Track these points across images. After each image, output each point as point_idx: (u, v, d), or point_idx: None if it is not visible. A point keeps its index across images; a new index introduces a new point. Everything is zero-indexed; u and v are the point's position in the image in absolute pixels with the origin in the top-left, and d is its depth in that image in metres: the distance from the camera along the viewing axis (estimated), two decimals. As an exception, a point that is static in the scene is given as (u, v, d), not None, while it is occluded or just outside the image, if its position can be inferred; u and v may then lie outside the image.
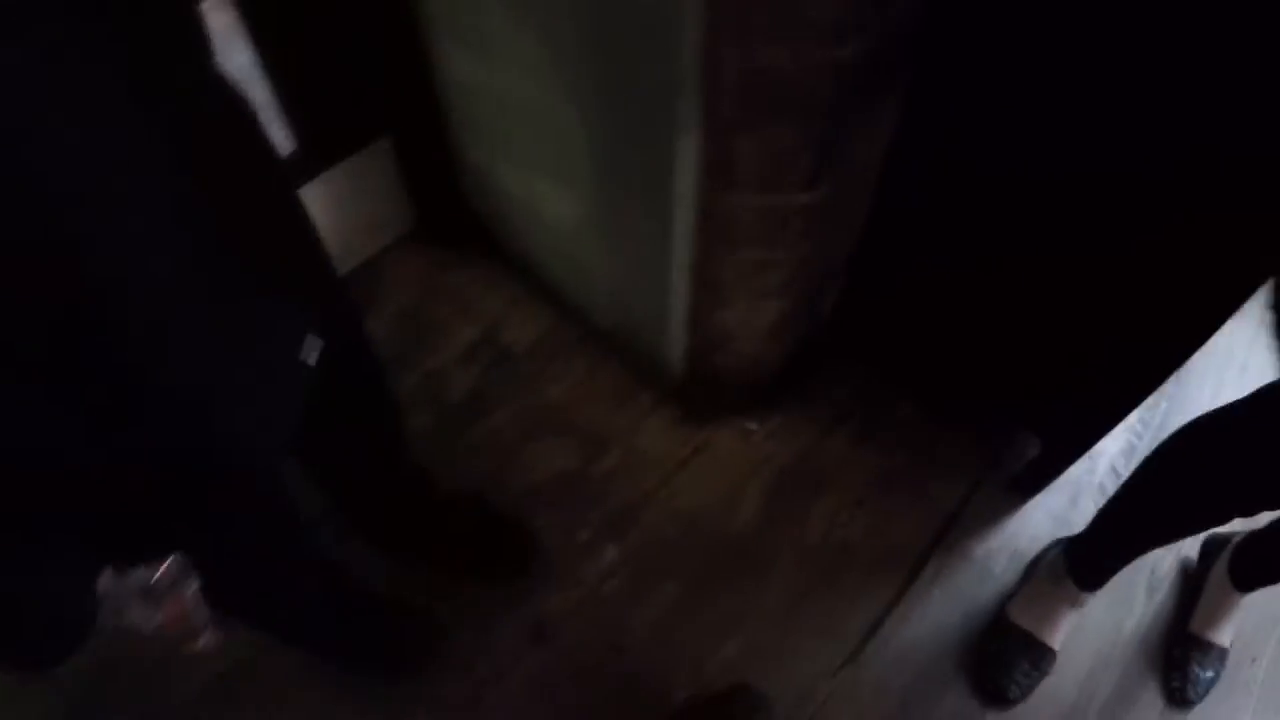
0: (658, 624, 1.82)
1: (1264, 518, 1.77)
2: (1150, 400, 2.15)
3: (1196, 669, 1.91)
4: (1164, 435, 1.65)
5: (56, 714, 1.72)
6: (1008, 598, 1.93)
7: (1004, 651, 1.87)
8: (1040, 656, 1.87)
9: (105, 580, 0.84)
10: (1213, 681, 1.92)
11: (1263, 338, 2.39)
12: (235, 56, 2.08)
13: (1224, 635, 1.94)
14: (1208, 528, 1.88)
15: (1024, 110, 1.49)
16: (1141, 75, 1.32)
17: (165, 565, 0.88)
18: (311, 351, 1.03)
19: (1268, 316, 2.43)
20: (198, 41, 0.87)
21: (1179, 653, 1.93)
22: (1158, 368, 1.65)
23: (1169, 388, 2.28)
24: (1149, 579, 2.03)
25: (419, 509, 1.83)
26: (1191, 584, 2.01)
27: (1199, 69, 1.25)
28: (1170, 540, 1.85)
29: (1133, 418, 2.22)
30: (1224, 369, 2.32)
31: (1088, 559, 1.84)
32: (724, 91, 1.30)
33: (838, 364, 2.14)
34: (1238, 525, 1.68)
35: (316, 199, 2.06)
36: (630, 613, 1.84)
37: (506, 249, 2.21)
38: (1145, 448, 2.06)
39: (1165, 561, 2.05)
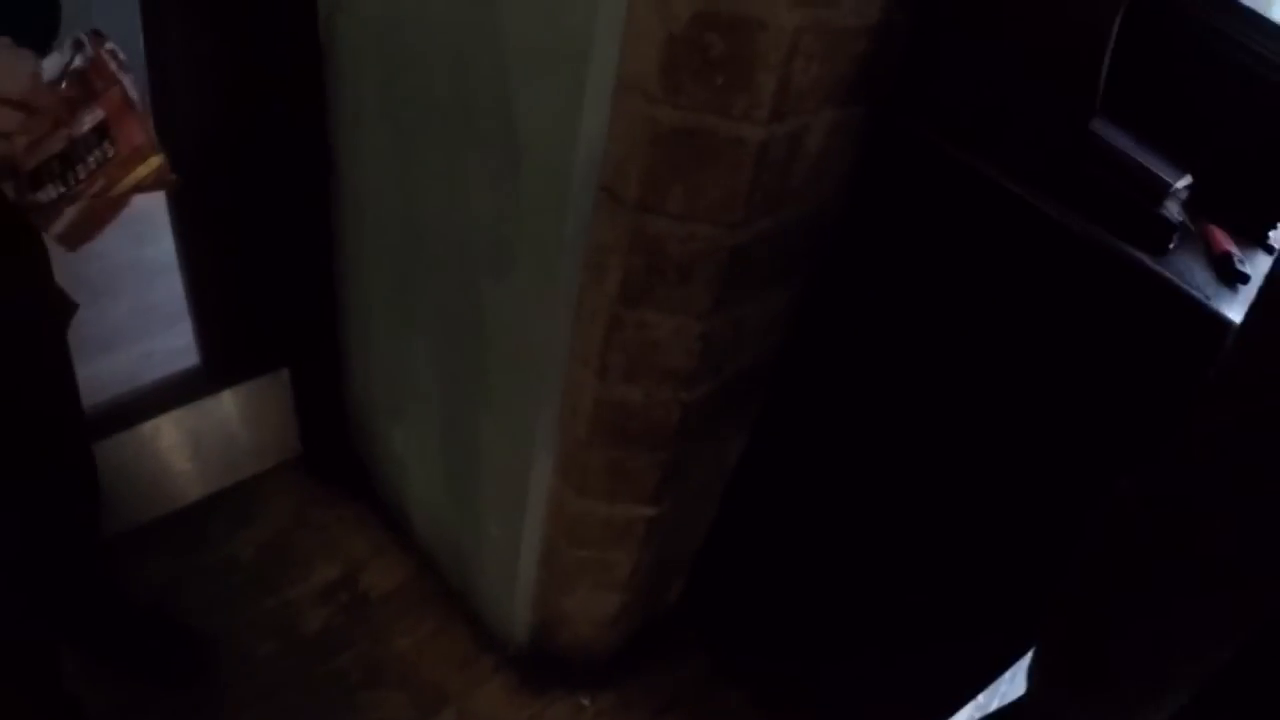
0: None
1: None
2: (982, 699, 2.28)
3: None
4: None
5: None
6: None
7: None
8: None
9: None
10: None
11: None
12: (157, 244, 2.22)
13: None
14: None
15: (855, 441, 1.67)
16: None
17: None
18: None
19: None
20: None
21: None
22: (973, 681, 1.79)
23: (1002, 686, 2.39)
24: None
25: (100, 598, 1.91)
26: None
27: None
28: None
29: (962, 716, 2.33)
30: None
31: None
32: (580, 415, 1.45)
33: (677, 649, 2.23)
34: None
35: (209, 413, 2.17)
36: None
37: (380, 496, 2.30)
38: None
39: None
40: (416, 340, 1.78)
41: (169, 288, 2.24)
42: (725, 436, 1.67)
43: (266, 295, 2.02)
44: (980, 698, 2.33)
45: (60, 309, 1.38)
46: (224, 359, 2.16)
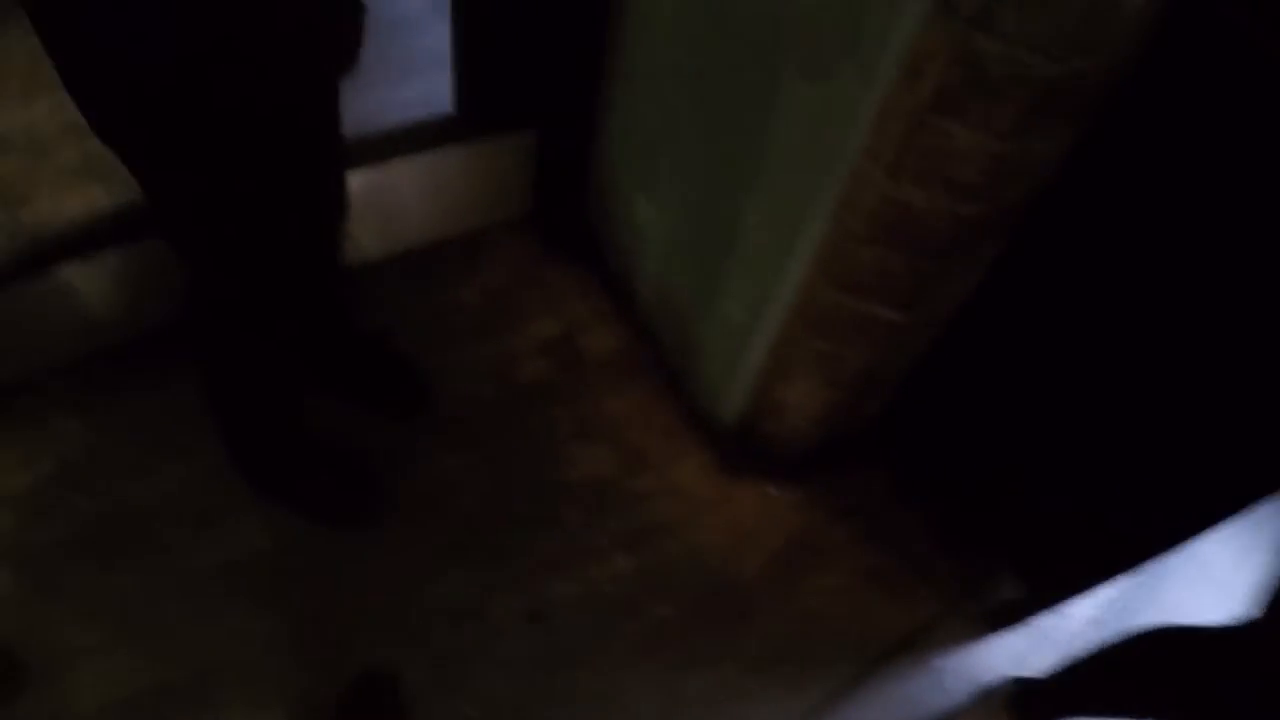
0: (645, 638, 2.04)
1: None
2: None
3: None
4: (1129, 614, 1.89)
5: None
6: (952, 716, 2.14)
7: None
8: None
9: None
10: None
11: (1246, 560, 2.59)
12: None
13: None
14: None
15: (1088, 293, 1.76)
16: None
17: None
18: None
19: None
20: None
21: None
22: (1150, 548, 1.89)
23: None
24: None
25: (334, 323, 2.07)
26: None
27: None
28: None
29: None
30: (1199, 576, 2.50)
31: (1034, 709, 2.05)
32: (859, 211, 1.54)
33: (864, 463, 2.36)
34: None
35: (452, 161, 2.31)
36: (624, 621, 2.06)
37: (607, 263, 2.44)
38: (1112, 619, 2.28)
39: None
40: (691, 117, 1.87)
41: (424, 39, 2.36)
42: (972, 263, 1.75)
43: (534, 50, 2.11)
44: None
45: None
46: (477, 110, 2.27)
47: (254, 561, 1.98)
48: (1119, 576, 2.05)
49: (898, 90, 1.38)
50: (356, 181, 2.11)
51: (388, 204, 2.30)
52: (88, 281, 2.01)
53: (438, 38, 2.24)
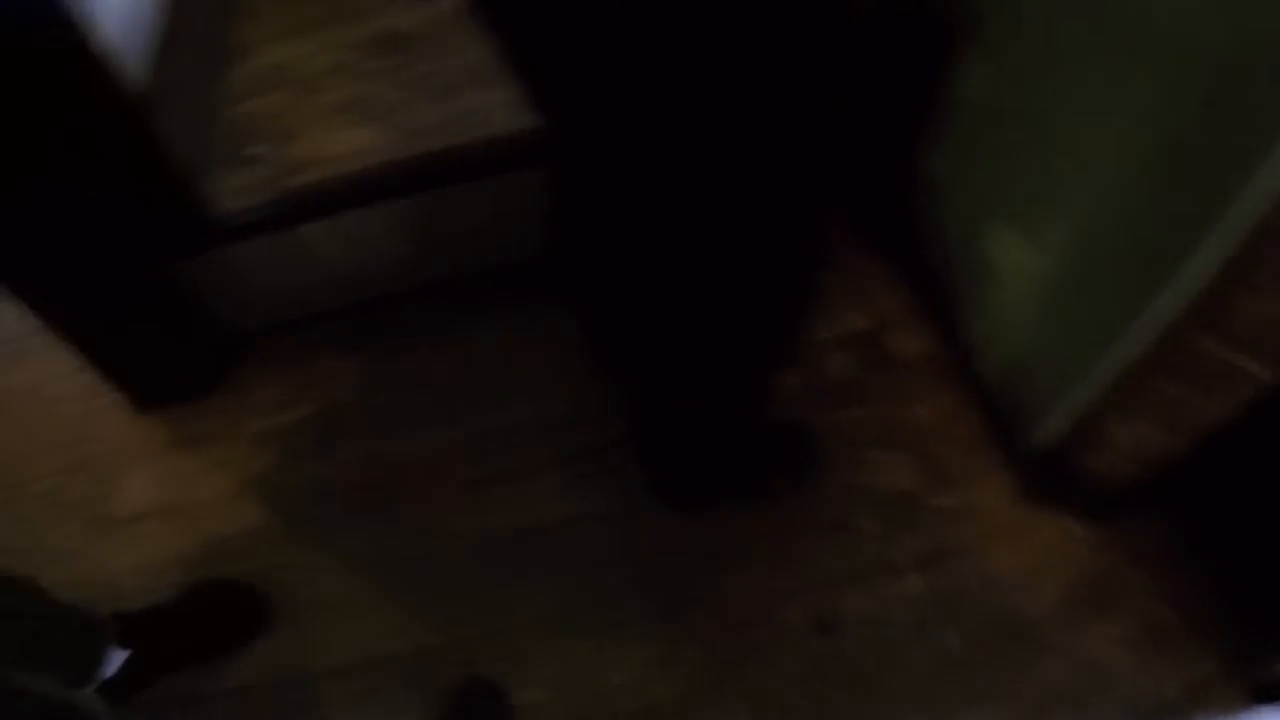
0: (930, 666, 1.98)
1: None
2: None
3: None
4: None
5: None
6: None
7: None
8: None
9: None
10: None
11: None
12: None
13: None
14: None
15: None
16: None
17: None
18: None
19: None
20: None
21: None
22: None
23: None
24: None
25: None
26: None
27: None
28: None
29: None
30: None
31: None
32: (1258, 263, 1.43)
33: (1161, 509, 2.25)
34: None
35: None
36: (911, 644, 2.00)
37: (922, 259, 2.34)
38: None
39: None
40: (1043, 136, 1.78)
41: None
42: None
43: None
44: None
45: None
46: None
47: (530, 532, 1.97)
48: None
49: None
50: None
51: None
52: (367, 226, 1.99)
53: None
